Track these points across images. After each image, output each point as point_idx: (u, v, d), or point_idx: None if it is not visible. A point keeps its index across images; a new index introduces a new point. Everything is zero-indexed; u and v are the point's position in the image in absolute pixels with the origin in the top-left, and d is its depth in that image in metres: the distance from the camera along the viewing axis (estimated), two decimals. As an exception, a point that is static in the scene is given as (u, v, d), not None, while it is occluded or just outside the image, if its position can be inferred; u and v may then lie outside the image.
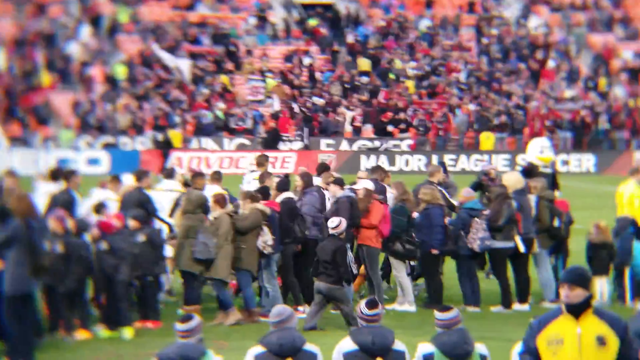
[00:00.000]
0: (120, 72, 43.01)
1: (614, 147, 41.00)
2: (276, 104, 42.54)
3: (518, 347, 8.46)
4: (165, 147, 38.48)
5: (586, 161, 39.97)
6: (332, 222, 13.15)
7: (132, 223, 13.39)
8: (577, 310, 6.69)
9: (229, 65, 44.36)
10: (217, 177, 15.33)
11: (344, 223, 13.16)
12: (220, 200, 13.72)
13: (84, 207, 14.17)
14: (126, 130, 40.39)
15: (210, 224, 13.57)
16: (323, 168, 15.75)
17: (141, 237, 13.29)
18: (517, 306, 14.64)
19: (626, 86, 44.26)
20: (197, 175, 14.99)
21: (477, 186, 16.21)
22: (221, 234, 13.45)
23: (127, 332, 12.87)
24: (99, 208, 13.42)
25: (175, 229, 14.39)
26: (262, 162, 15.94)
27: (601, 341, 6.65)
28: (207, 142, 40.45)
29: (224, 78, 43.39)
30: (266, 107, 42.69)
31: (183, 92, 42.47)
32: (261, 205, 13.80)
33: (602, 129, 41.60)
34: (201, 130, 40.76)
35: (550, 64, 45.47)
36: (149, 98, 41.93)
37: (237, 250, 13.56)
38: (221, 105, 41.94)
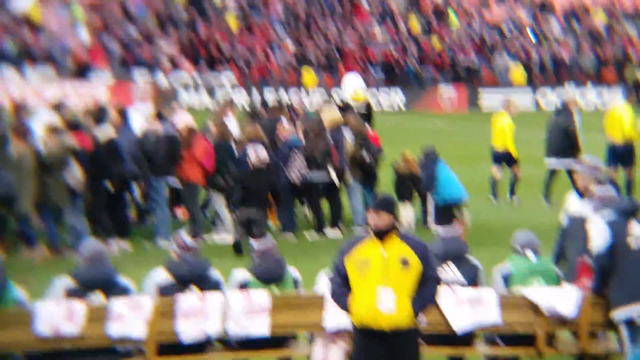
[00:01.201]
0: None
1: (422, 85, 42.68)
2: (84, 35, 41.37)
3: (328, 270, 8.91)
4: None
5: (395, 96, 41.38)
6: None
7: None
8: (382, 234, 7.04)
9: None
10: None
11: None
12: (20, 134, 13.10)
13: None
14: None
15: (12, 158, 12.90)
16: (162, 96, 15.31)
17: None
18: (329, 232, 15.27)
19: (435, 26, 45.92)
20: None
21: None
22: (23, 168, 12.86)
23: None
24: None
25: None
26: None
27: (405, 262, 7.01)
28: (8, 71, 37.94)
29: (30, 6, 41.62)
30: (74, 38, 41.37)
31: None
32: (69, 139, 13.31)
33: (411, 67, 43.12)
34: (2, 58, 38.45)
35: (362, 2, 46.50)
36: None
37: (42, 187, 13.02)
38: (25, 33, 40.26)
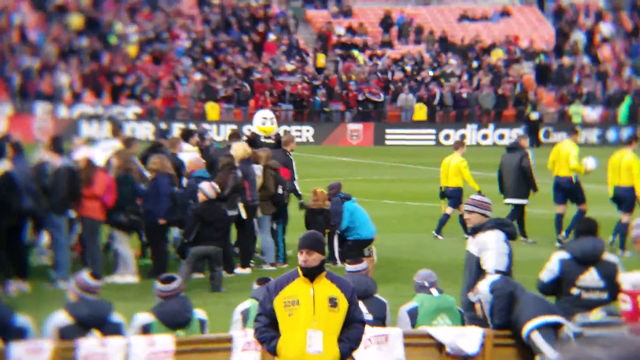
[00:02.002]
0: None
1: (329, 119, 42.73)
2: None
3: (241, 306, 8.79)
4: None
5: (305, 132, 41.38)
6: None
7: None
8: (313, 273, 7.01)
9: None
10: None
11: None
12: None
13: None
14: None
15: None
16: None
17: None
18: (238, 270, 14.96)
19: (340, 61, 46.18)
20: None
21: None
22: None
23: None
24: None
25: None
26: None
27: (333, 303, 7.00)
28: None
29: None
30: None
31: None
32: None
33: (318, 101, 43.23)
34: None
35: (271, 36, 46.54)
36: None
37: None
38: None
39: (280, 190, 15.54)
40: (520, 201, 17.55)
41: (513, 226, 9.13)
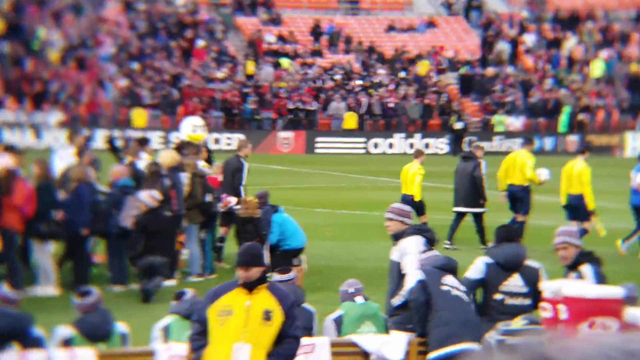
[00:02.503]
0: None
1: (260, 127, 42.44)
2: None
3: (161, 323, 8.66)
4: None
5: (236, 140, 40.93)
6: None
7: None
8: (252, 285, 6.86)
9: None
10: None
11: None
12: None
13: None
14: None
15: None
16: None
17: None
18: (164, 282, 14.50)
19: (271, 68, 45.94)
20: None
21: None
22: None
23: None
24: None
25: None
26: None
27: (267, 316, 6.84)
28: None
29: None
30: None
31: None
32: None
33: (249, 109, 42.92)
34: None
35: (199, 43, 46.10)
36: None
37: None
38: None
39: (208, 199, 15.17)
40: (469, 209, 17.71)
41: (432, 232, 9.20)
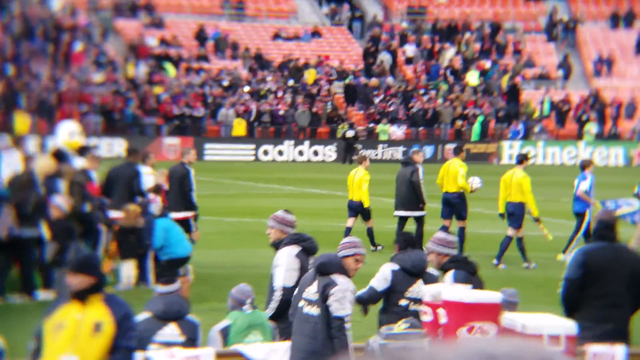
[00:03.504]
0: None
1: (142, 133, 41.81)
2: None
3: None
4: None
5: (118, 146, 40.28)
6: None
7: None
8: (82, 295, 6.75)
9: None
10: None
11: None
12: None
13: None
14: None
15: None
16: None
17: None
18: (40, 294, 14.12)
19: (154, 73, 45.23)
20: None
21: None
22: None
23: None
24: None
25: None
26: None
27: (97, 328, 6.77)
28: None
29: None
30: None
31: None
32: None
33: (130, 113, 42.22)
34: None
35: (78, 46, 45.13)
36: None
37: None
38: None
39: (87, 208, 14.79)
40: (408, 213, 18.14)
41: (312, 241, 9.18)
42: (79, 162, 15.90)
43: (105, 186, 15.74)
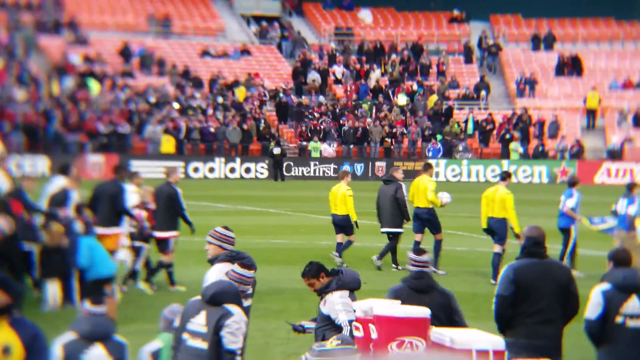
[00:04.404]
0: None
1: (65, 150, 41.13)
2: None
3: None
4: None
5: (41, 164, 39.59)
6: None
7: None
8: None
9: None
10: None
11: None
12: None
13: None
14: None
15: None
16: None
17: None
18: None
19: (78, 89, 44.59)
20: None
21: None
22: None
23: None
24: None
25: None
26: None
27: (7, 351, 6.55)
28: None
29: None
30: None
31: None
32: None
33: (53, 131, 41.56)
34: None
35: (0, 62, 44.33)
36: None
37: None
38: None
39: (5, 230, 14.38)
40: (396, 230, 18.62)
41: (249, 259, 8.94)
42: (60, 181, 15.67)
43: (91, 202, 15.69)
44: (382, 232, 18.82)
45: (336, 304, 8.75)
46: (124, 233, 16.06)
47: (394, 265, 18.54)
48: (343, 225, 18.83)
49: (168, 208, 16.18)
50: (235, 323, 7.57)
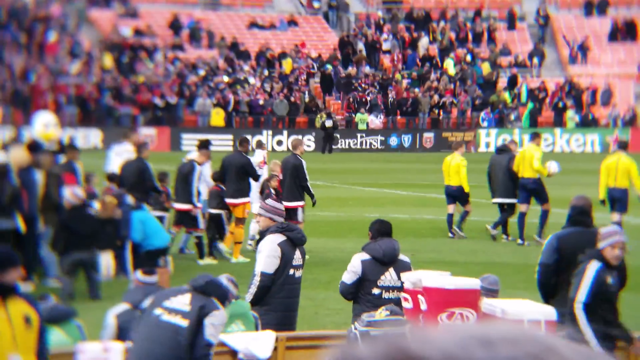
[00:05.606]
0: None
1: (118, 123, 41.56)
2: None
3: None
4: None
5: (94, 136, 39.97)
6: None
7: None
8: (5, 292, 6.71)
9: None
10: None
11: None
12: None
13: None
14: None
15: None
16: None
17: None
18: (22, 286, 14.13)
19: (129, 62, 44.96)
20: None
21: None
22: None
23: None
24: None
25: None
26: None
27: (28, 321, 6.78)
28: None
29: None
30: None
31: None
32: None
33: (105, 104, 41.92)
34: None
35: (52, 36, 44.77)
36: None
37: None
38: None
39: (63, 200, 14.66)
40: (509, 200, 18.31)
41: (298, 231, 9.22)
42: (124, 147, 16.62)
43: (219, 173, 16.68)
44: (494, 203, 18.59)
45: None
46: (252, 202, 16.64)
47: (504, 236, 18.42)
48: (456, 195, 18.59)
49: (294, 178, 16.69)
50: (220, 318, 7.41)
